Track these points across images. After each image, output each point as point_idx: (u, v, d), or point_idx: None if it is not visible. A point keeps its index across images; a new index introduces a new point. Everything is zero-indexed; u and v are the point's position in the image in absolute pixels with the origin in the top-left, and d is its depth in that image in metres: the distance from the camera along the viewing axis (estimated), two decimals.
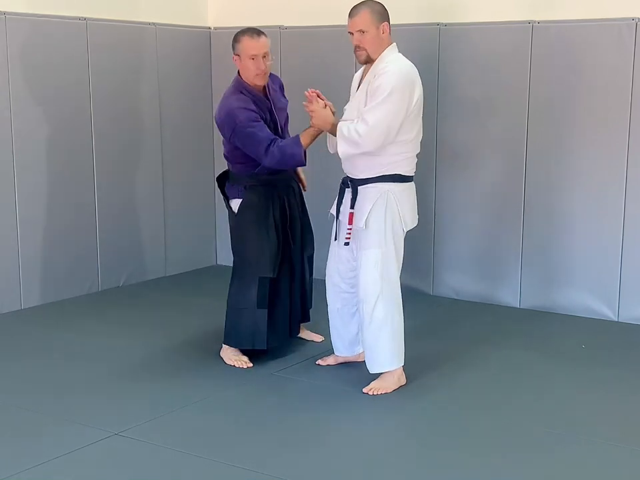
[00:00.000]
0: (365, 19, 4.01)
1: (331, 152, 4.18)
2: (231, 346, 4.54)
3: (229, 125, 4.28)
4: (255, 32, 4.32)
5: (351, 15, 4.06)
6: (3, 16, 5.25)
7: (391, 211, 4.06)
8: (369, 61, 4.07)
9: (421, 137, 4.14)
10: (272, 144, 4.19)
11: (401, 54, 4.10)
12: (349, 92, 4.25)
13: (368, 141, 3.93)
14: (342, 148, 4.00)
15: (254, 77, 4.31)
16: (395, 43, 4.10)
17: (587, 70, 5.23)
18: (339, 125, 4.02)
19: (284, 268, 4.54)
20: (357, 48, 4.05)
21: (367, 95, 4.00)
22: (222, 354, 4.57)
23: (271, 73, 4.48)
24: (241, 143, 4.28)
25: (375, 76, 3.98)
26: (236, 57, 4.34)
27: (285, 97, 4.62)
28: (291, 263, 4.59)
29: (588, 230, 5.36)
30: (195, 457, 3.47)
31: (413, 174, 4.16)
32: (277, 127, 4.44)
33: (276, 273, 4.46)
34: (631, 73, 5.08)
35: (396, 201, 4.07)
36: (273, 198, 4.47)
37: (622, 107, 5.14)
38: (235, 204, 4.51)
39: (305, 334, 4.88)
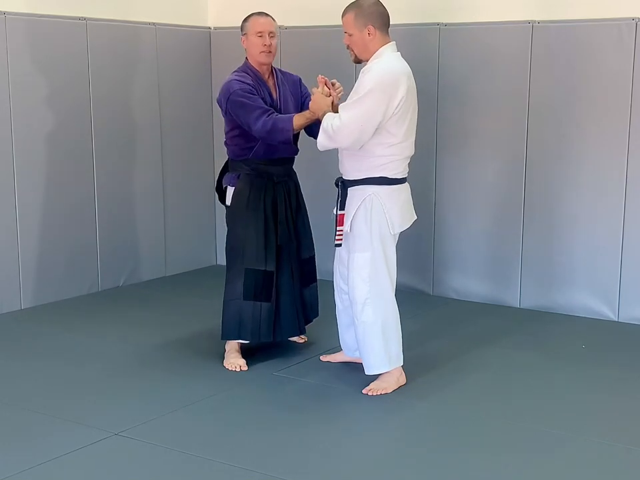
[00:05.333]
0: (349, 22, 4.04)
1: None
2: (222, 338, 4.55)
3: (224, 95, 4.36)
4: (263, 13, 4.46)
5: (342, 15, 4.10)
6: (3, 16, 5.25)
7: (376, 215, 4.05)
8: (358, 61, 4.12)
9: (411, 140, 4.09)
10: (266, 113, 4.25)
11: (396, 54, 4.08)
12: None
13: (340, 137, 3.95)
14: (320, 138, 4.05)
15: (259, 53, 4.40)
16: (393, 42, 4.07)
17: (587, 70, 5.23)
18: (325, 116, 4.04)
19: (283, 264, 4.51)
20: (347, 47, 4.10)
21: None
22: (225, 355, 4.57)
23: (287, 73, 4.59)
24: (234, 112, 4.34)
25: (362, 73, 4.03)
26: (244, 37, 4.45)
27: (301, 91, 4.59)
28: (290, 262, 4.56)
29: (588, 230, 5.36)
30: (194, 457, 3.47)
31: (404, 176, 4.12)
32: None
33: (267, 266, 4.43)
34: (631, 73, 5.08)
35: (381, 204, 4.04)
36: (266, 189, 4.46)
37: (622, 107, 5.14)
38: (230, 192, 4.54)
39: None
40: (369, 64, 4.02)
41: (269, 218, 4.46)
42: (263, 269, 4.43)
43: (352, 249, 4.13)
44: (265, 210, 4.45)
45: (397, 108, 3.94)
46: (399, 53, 4.10)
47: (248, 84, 4.34)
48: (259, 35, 4.38)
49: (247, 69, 4.45)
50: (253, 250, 4.43)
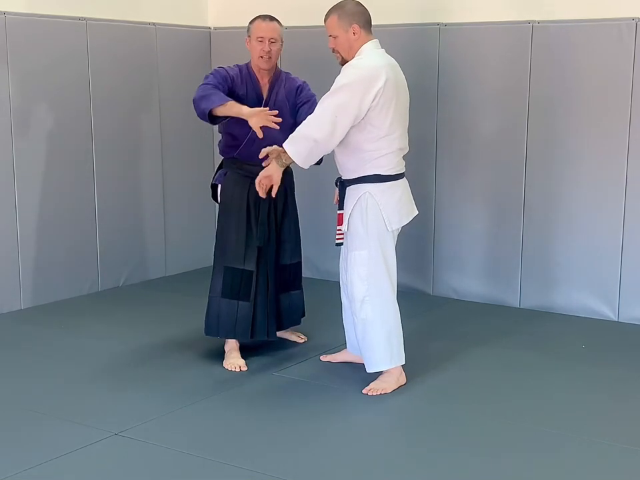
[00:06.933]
0: (332, 24, 4.06)
1: (305, 167, 4.10)
2: (204, 334, 4.57)
3: None
4: (269, 17, 4.48)
5: (324, 19, 4.10)
6: (3, 16, 5.25)
7: (371, 212, 4.05)
8: (344, 63, 4.10)
9: (399, 133, 4.06)
10: (211, 84, 4.27)
11: (379, 50, 4.07)
12: None
13: (313, 127, 3.92)
14: (292, 149, 3.95)
15: (258, 58, 4.41)
16: (375, 40, 4.06)
17: (587, 70, 5.23)
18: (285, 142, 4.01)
19: (260, 265, 4.49)
20: (332, 50, 4.11)
21: None
22: (225, 355, 4.57)
23: (291, 76, 4.59)
24: (194, 105, 4.33)
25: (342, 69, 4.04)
26: (247, 39, 4.48)
27: (296, 98, 4.56)
28: (267, 264, 4.53)
29: (588, 230, 5.36)
30: (194, 456, 3.46)
31: (398, 172, 4.11)
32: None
33: (245, 265, 4.43)
34: (631, 73, 5.08)
35: (376, 201, 4.04)
36: (249, 189, 4.43)
37: (622, 107, 5.14)
38: (219, 190, 4.59)
39: (287, 334, 4.84)
40: (351, 60, 4.03)
41: (252, 218, 4.46)
42: (242, 267, 4.44)
43: (350, 247, 4.14)
44: (248, 209, 4.45)
45: (374, 100, 3.92)
46: (382, 49, 4.09)
47: (227, 71, 4.39)
48: (259, 40, 4.39)
49: (244, 66, 4.48)
50: (233, 248, 4.46)
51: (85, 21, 5.69)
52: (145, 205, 6.28)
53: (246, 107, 4.20)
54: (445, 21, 5.63)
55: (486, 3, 5.54)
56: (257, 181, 4.10)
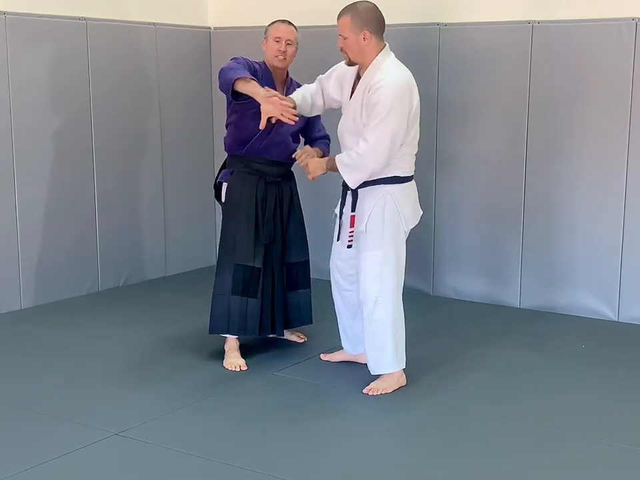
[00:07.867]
0: (344, 25, 4.02)
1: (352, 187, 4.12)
2: (209, 332, 4.56)
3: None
4: (287, 21, 4.57)
5: (337, 17, 4.09)
6: (3, 16, 5.25)
7: (390, 213, 4.06)
8: (352, 64, 4.10)
9: (417, 138, 4.12)
10: (242, 65, 4.29)
11: (393, 58, 4.05)
12: (347, 92, 4.22)
13: (371, 159, 3.92)
14: (349, 176, 4.01)
15: (273, 57, 4.48)
16: (387, 46, 4.04)
17: (587, 70, 5.23)
18: (337, 158, 4.04)
19: (267, 263, 4.51)
20: (341, 50, 4.10)
21: (362, 105, 3.98)
22: (225, 355, 4.57)
23: (298, 83, 4.60)
24: (221, 70, 4.35)
25: (369, 90, 3.95)
26: (264, 41, 4.55)
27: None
28: (272, 262, 4.55)
29: (588, 230, 5.36)
30: (195, 457, 3.47)
31: (412, 173, 4.15)
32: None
33: (255, 262, 4.44)
34: (631, 73, 5.09)
35: (395, 202, 4.06)
36: (257, 187, 4.47)
37: (622, 107, 5.14)
38: (224, 188, 4.58)
39: (287, 334, 4.83)
40: (374, 77, 3.95)
41: (260, 215, 4.48)
42: (252, 265, 4.45)
43: (363, 247, 4.12)
44: (257, 207, 4.47)
45: (409, 118, 3.96)
46: (392, 54, 4.08)
47: (251, 62, 4.41)
48: (277, 40, 4.46)
49: (262, 62, 4.51)
50: (243, 246, 4.46)
51: (85, 21, 5.69)
52: (144, 204, 6.28)
53: (263, 89, 4.17)
54: (444, 21, 5.63)
55: (486, 3, 5.54)
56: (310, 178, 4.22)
